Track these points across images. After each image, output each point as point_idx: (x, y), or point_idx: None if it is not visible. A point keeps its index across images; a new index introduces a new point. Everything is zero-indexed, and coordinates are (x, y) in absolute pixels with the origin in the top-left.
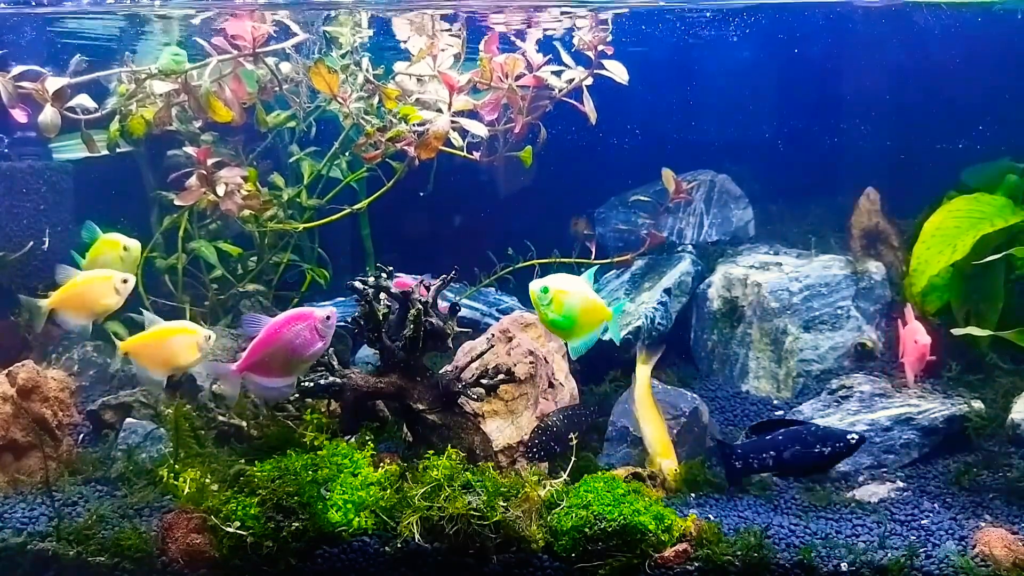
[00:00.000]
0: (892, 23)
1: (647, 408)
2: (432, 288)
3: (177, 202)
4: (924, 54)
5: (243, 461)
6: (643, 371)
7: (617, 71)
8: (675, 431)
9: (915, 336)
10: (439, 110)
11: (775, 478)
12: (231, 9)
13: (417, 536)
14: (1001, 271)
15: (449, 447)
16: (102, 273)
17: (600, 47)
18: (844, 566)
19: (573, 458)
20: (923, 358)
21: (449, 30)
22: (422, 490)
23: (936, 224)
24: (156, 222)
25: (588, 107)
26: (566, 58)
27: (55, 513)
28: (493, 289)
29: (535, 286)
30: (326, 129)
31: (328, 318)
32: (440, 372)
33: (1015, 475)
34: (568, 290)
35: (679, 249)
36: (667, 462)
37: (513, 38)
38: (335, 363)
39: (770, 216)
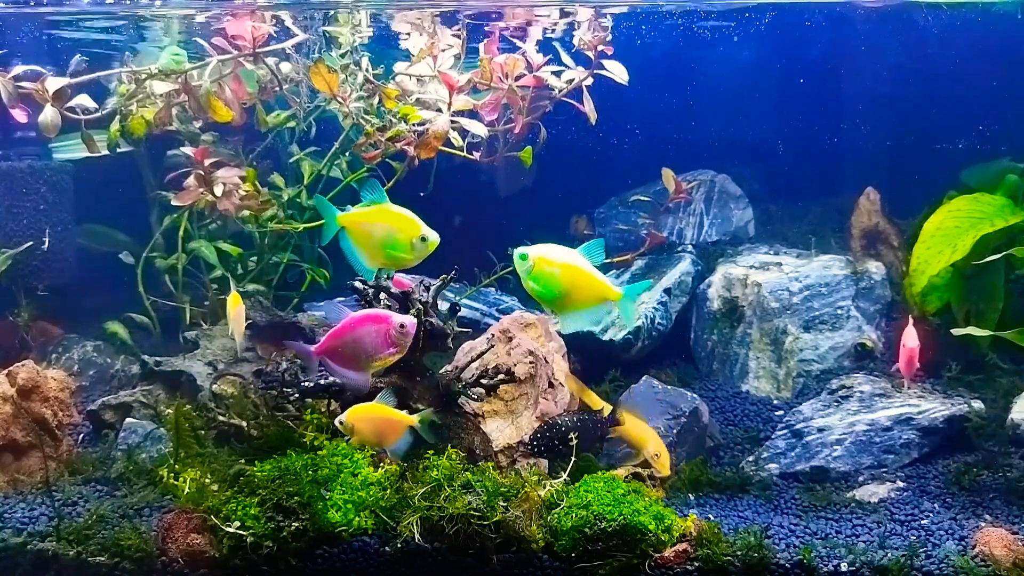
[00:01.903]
0: (892, 23)
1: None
2: (432, 288)
3: (175, 202)
4: (924, 54)
5: (243, 461)
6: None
7: (617, 71)
8: (675, 431)
9: (904, 340)
10: (439, 110)
11: (775, 478)
12: (231, 9)
13: (417, 536)
14: (1001, 271)
15: (449, 447)
16: (409, 216)
17: (600, 47)
18: (844, 566)
19: (573, 458)
20: (912, 361)
21: (454, 32)
22: (422, 490)
23: (936, 224)
24: (156, 222)
25: (588, 107)
26: (566, 58)
27: (55, 513)
28: (493, 289)
29: (517, 252)
30: (326, 129)
31: (403, 326)
32: (440, 372)
33: (1015, 475)
34: (554, 259)
35: (679, 249)
36: (648, 448)
37: (513, 39)
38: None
39: (770, 216)
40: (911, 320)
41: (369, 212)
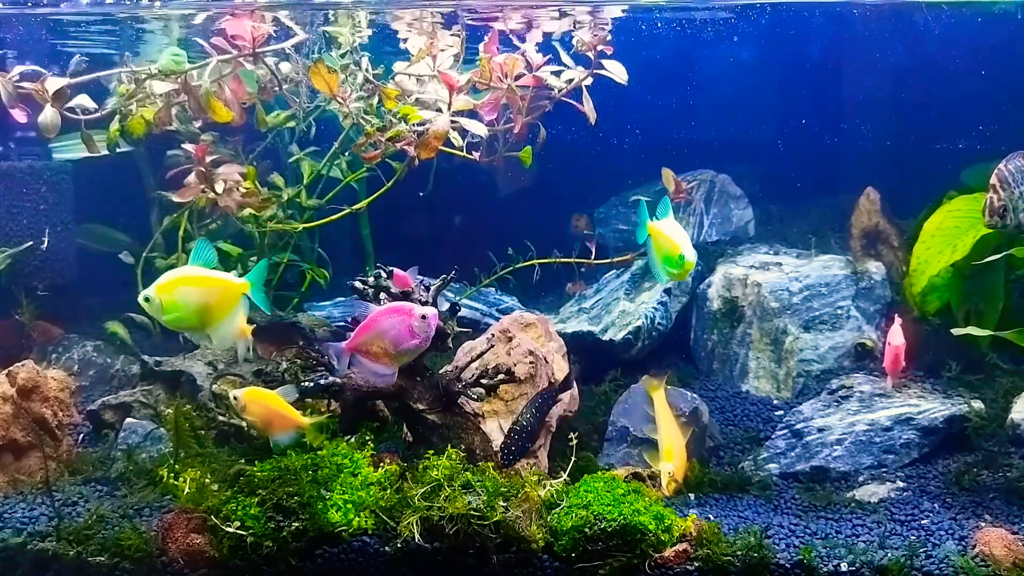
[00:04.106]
0: (892, 23)
1: (665, 418)
2: (432, 288)
3: (175, 199)
4: (924, 54)
5: (243, 461)
6: (659, 396)
7: (616, 71)
8: None
9: (890, 338)
10: (439, 110)
11: (775, 478)
12: (231, 9)
13: (417, 536)
14: (1001, 271)
15: (449, 447)
16: (673, 236)
17: (600, 47)
18: (844, 566)
19: (573, 458)
20: (897, 360)
21: (453, 32)
22: (422, 490)
23: (936, 224)
24: (156, 222)
25: (588, 107)
26: (565, 58)
27: (55, 513)
28: (493, 289)
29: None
30: (326, 129)
31: (424, 318)
32: (440, 372)
33: (1015, 475)
34: (168, 283)
35: None
36: (667, 465)
37: (513, 39)
38: (335, 363)
39: (770, 216)
40: (896, 318)
41: (656, 227)
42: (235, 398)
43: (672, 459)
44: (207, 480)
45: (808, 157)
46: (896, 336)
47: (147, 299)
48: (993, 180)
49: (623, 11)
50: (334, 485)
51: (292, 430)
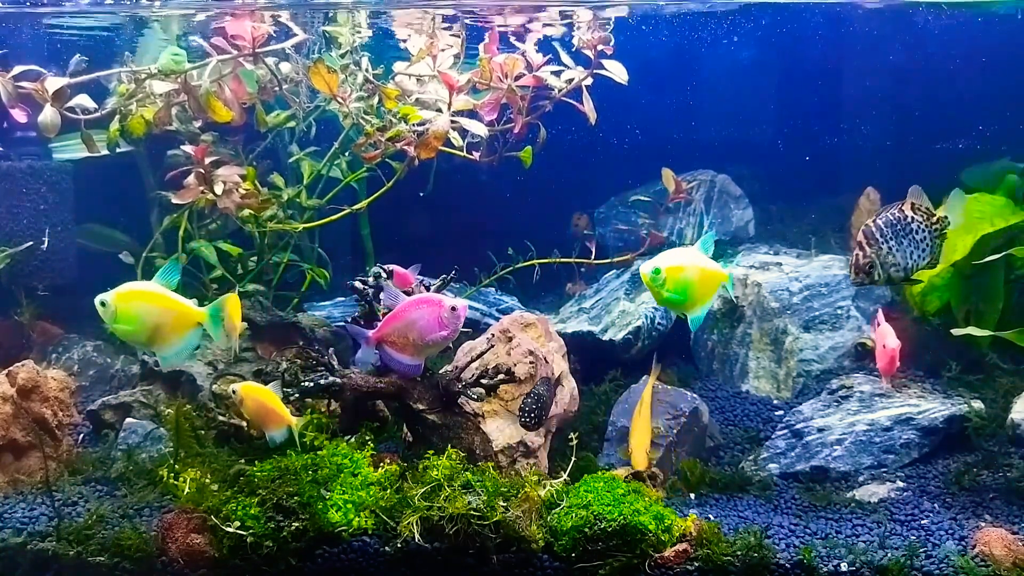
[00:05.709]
0: (892, 23)
1: (644, 401)
2: (432, 288)
3: (175, 200)
4: (924, 54)
5: (243, 461)
6: (648, 386)
7: (617, 71)
8: (675, 431)
9: (884, 340)
10: (439, 110)
11: (775, 478)
12: (231, 9)
13: (417, 536)
14: (1001, 271)
15: (449, 447)
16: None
17: (600, 47)
18: (844, 566)
19: (573, 458)
20: (892, 362)
21: (450, 29)
22: (422, 490)
23: None
24: (156, 222)
25: (588, 107)
26: (565, 58)
27: (55, 513)
28: (493, 289)
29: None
30: (326, 129)
31: (454, 309)
32: (440, 372)
33: (1015, 475)
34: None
35: None
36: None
37: (513, 39)
38: (335, 363)
39: (770, 216)
40: (882, 318)
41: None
42: (233, 392)
43: (631, 435)
44: (207, 480)
45: (808, 157)
46: (891, 338)
47: (103, 303)
48: (860, 237)
49: (623, 10)
50: (334, 485)
51: (283, 427)
